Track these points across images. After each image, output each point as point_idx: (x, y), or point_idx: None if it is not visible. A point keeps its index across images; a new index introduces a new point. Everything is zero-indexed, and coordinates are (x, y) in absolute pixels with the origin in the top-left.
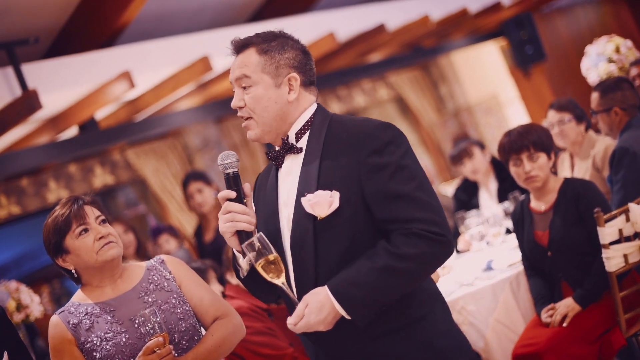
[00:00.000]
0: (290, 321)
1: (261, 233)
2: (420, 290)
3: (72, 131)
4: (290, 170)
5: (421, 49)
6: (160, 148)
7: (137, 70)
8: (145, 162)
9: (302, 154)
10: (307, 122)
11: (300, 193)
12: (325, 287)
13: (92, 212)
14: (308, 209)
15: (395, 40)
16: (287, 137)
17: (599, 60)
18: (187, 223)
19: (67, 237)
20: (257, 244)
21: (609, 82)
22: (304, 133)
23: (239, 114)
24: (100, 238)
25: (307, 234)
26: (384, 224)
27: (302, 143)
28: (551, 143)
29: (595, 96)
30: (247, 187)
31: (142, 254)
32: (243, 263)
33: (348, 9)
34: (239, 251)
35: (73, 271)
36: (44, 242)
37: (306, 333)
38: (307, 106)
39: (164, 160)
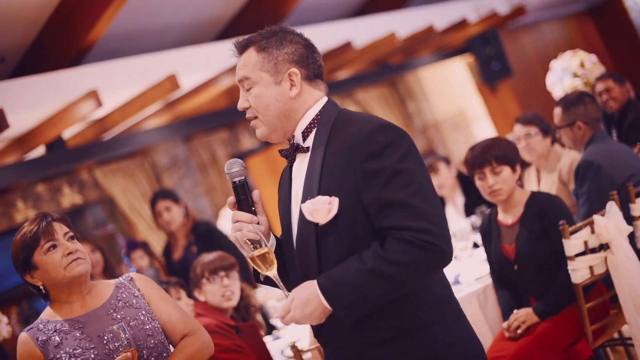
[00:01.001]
0: (277, 315)
1: (254, 225)
2: (428, 296)
3: (39, 150)
4: (300, 170)
5: (388, 65)
6: (128, 167)
7: (105, 89)
8: (114, 181)
9: (309, 154)
10: (314, 119)
11: (305, 196)
12: (314, 282)
13: (60, 229)
14: (308, 216)
15: (362, 58)
16: (293, 137)
17: (564, 75)
18: (155, 242)
19: (35, 253)
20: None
21: (571, 97)
22: (311, 130)
23: (247, 114)
24: (69, 254)
25: (310, 239)
26: (381, 231)
27: (309, 142)
28: (515, 156)
29: (557, 111)
30: (256, 194)
31: (109, 273)
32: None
33: (315, 26)
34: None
35: (41, 287)
36: (12, 258)
37: (316, 333)
38: (313, 102)
39: (132, 179)
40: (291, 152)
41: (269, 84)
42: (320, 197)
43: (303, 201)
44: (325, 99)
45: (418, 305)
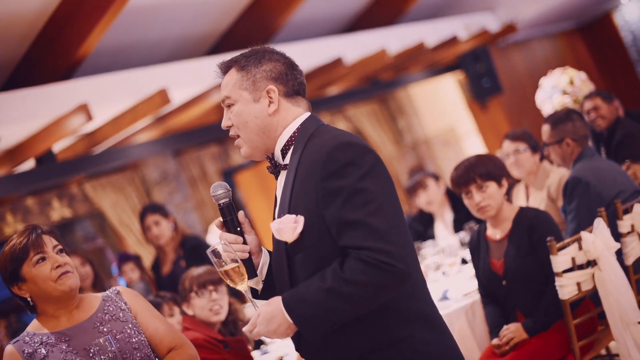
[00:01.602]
0: (245, 329)
1: (224, 240)
2: (405, 311)
3: (29, 164)
4: (281, 187)
5: (379, 82)
6: (119, 181)
7: (95, 103)
8: (103, 195)
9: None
10: (292, 136)
11: (279, 214)
12: (279, 298)
13: (50, 241)
14: (276, 235)
15: (352, 74)
16: (272, 154)
17: (554, 92)
18: (145, 256)
19: (24, 265)
20: (219, 252)
21: (559, 114)
22: (289, 148)
23: (230, 133)
24: (58, 267)
25: (282, 257)
26: (343, 249)
27: (288, 159)
28: (500, 171)
29: (546, 128)
30: (241, 215)
31: (99, 286)
32: (252, 284)
33: (306, 42)
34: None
35: (29, 299)
36: (0, 270)
37: (296, 347)
38: (291, 118)
39: (122, 193)
40: (273, 170)
41: (248, 101)
42: (287, 216)
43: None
44: (306, 115)
45: (393, 320)
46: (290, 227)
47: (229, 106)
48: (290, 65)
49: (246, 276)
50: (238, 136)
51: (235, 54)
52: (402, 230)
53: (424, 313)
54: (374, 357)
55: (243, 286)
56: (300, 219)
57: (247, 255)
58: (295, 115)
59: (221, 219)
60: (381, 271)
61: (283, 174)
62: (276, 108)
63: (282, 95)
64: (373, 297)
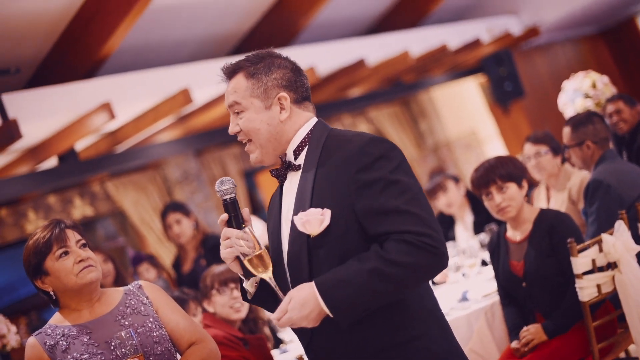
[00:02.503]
0: (273, 316)
1: (249, 227)
2: (418, 308)
3: (51, 162)
4: (291, 187)
5: (401, 84)
6: (140, 180)
7: (118, 101)
8: (125, 194)
9: (300, 171)
10: (305, 138)
11: (296, 210)
12: (312, 283)
13: (73, 236)
14: (300, 228)
15: (375, 76)
16: (285, 155)
17: (576, 95)
18: (165, 255)
19: (47, 259)
20: (247, 239)
21: (580, 116)
22: (302, 149)
23: (238, 138)
24: (80, 261)
25: (301, 251)
26: (377, 238)
27: (301, 160)
28: (520, 172)
29: (567, 131)
30: (246, 212)
31: (120, 284)
32: (247, 286)
33: (328, 43)
34: (242, 275)
35: (51, 293)
36: (23, 264)
37: (306, 347)
38: (302, 123)
39: (144, 192)
40: (282, 171)
41: (260, 109)
42: (312, 209)
43: (295, 214)
44: (315, 119)
45: (408, 318)
46: (317, 219)
47: (237, 112)
48: (297, 71)
49: (271, 265)
50: (249, 141)
51: None
52: (436, 219)
53: (433, 312)
54: (389, 355)
55: (268, 274)
56: (327, 212)
57: (251, 251)
58: (306, 119)
59: (225, 216)
60: (427, 252)
61: (292, 175)
62: (288, 115)
63: (293, 102)
64: (416, 279)
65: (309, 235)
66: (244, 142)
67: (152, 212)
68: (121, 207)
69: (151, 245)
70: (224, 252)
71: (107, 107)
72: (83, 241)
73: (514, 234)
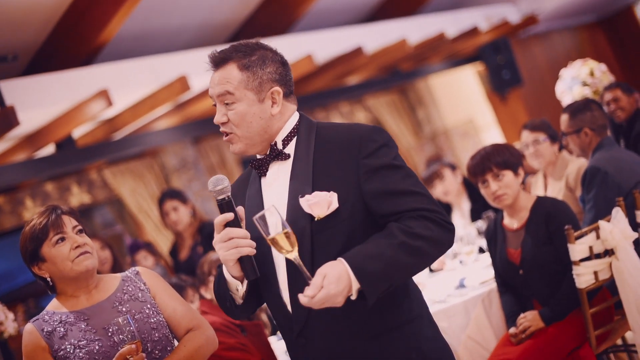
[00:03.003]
0: (307, 293)
1: (274, 205)
2: (412, 292)
3: (49, 149)
4: (277, 177)
5: (399, 72)
6: (137, 168)
7: (115, 89)
8: (122, 182)
9: (290, 160)
10: (293, 129)
11: (293, 196)
12: (341, 259)
13: (69, 222)
14: (307, 209)
15: (373, 63)
16: (275, 143)
17: (574, 83)
18: (163, 242)
19: (43, 245)
20: (273, 217)
21: (578, 103)
22: (290, 140)
23: (221, 129)
24: (77, 247)
25: (304, 234)
26: (389, 217)
27: (289, 149)
28: (516, 160)
29: (564, 118)
30: (241, 210)
31: (117, 271)
32: (241, 289)
33: (326, 31)
34: (236, 278)
35: (48, 279)
36: (20, 250)
37: (298, 334)
38: (289, 115)
39: (141, 180)
40: (267, 161)
41: (253, 102)
42: (318, 192)
43: (291, 201)
44: (298, 113)
45: (407, 300)
46: (326, 201)
47: (226, 102)
48: (286, 65)
49: (297, 244)
50: (230, 132)
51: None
52: None
53: (422, 298)
54: (385, 339)
55: (293, 254)
56: (334, 196)
57: (254, 251)
58: (292, 111)
59: (223, 217)
60: (444, 228)
61: (280, 164)
62: (279, 109)
63: (283, 96)
64: (437, 252)
65: (312, 219)
66: (225, 133)
67: (149, 199)
68: (119, 195)
69: (148, 233)
70: (227, 254)
71: (104, 95)
72: (80, 227)
73: (511, 222)
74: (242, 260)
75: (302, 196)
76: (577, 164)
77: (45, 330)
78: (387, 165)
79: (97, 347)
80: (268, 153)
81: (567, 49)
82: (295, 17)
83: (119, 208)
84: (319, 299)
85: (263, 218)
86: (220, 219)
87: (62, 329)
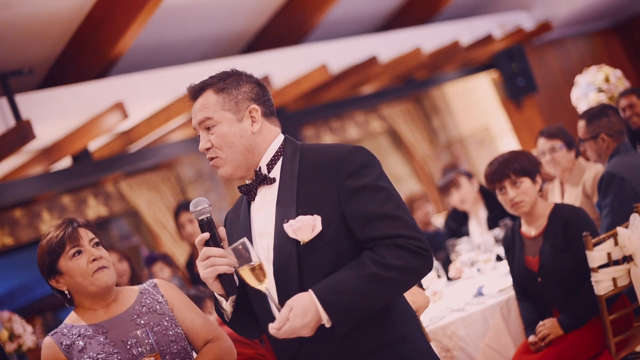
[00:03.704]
0: (274, 326)
1: (245, 239)
2: (402, 311)
3: (65, 162)
4: (265, 201)
5: (413, 81)
6: (154, 179)
7: (131, 101)
8: (139, 194)
9: (276, 184)
10: (277, 152)
11: (280, 220)
12: (310, 292)
13: (86, 235)
14: (291, 234)
15: (387, 72)
16: (260, 168)
17: (589, 89)
18: (180, 254)
19: (60, 258)
20: (242, 250)
21: (594, 109)
22: (275, 163)
23: (207, 155)
24: (94, 260)
25: (290, 259)
26: (367, 243)
27: (275, 173)
28: (534, 167)
29: (581, 124)
30: (222, 231)
31: (135, 283)
32: (227, 306)
33: (340, 41)
34: (221, 295)
35: (66, 292)
36: (38, 263)
37: (296, 357)
38: (273, 137)
39: (157, 191)
40: (254, 185)
41: (232, 121)
42: (302, 216)
43: (278, 226)
44: (283, 135)
45: (398, 318)
46: (309, 225)
47: (207, 128)
48: (263, 87)
49: (267, 275)
50: (216, 157)
51: (269, 54)
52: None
53: (412, 313)
54: (381, 355)
55: (265, 285)
56: (317, 219)
57: (232, 269)
58: (276, 134)
59: (205, 235)
60: (418, 255)
61: (265, 189)
62: (259, 127)
63: (263, 115)
64: (409, 281)
65: (298, 243)
66: (212, 159)
67: (165, 211)
68: (135, 207)
69: (165, 245)
70: (205, 272)
71: (120, 107)
72: (96, 240)
73: (529, 230)
74: (221, 278)
75: (287, 221)
76: (594, 171)
77: (64, 343)
78: (367, 186)
79: None
80: (254, 178)
81: (582, 55)
82: (309, 27)
83: (136, 220)
84: (284, 332)
85: (235, 250)
86: (198, 238)
87: (81, 342)
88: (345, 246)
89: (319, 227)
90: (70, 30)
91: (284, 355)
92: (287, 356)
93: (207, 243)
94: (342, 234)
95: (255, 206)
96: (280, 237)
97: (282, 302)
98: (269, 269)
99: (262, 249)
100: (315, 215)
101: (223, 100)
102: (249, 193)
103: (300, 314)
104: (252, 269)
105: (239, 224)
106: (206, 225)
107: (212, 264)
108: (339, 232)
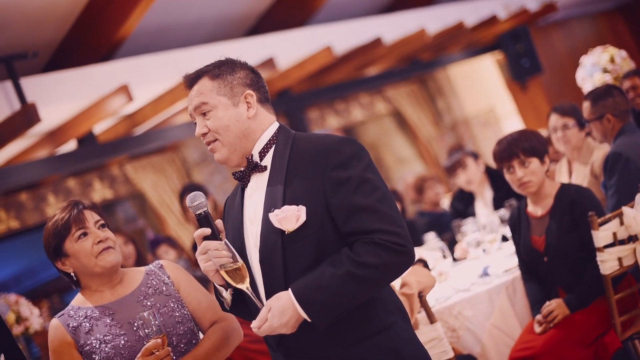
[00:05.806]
0: (254, 324)
1: (226, 240)
2: (387, 301)
3: (70, 145)
4: (256, 188)
5: (418, 62)
6: (159, 162)
7: (136, 84)
8: (144, 176)
9: (267, 172)
10: (270, 140)
11: (267, 209)
12: (289, 291)
13: (91, 217)
14: (276, 224)
15: (392, 54)
16: (252, 155)
17: (594, 70)
18: (185, 237)
19: (66, 240)
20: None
21: (599, 90)
22: (268, 151)
23: (204, 141)
24: (99, 242)
25: (275, 248)
26: (348, 236)
27: (267, 161)
28: (543, 147)
29: (586, 105)
30: (220, 223)
31: (141, 265)
32: (227, 295)
33: (345, 22)
34: (222, 285)
35: (72, 274)
36: (43, 246)
37: (277, 344)
38: (267, 124)
39: (163, 174)
40: (247, 173)
41: (228, 106)
42: (287, 206)
43: (266, 214)
44: (277, 123)
45: (382, 308)
46: (294, 215)
47: (204, 114)
48: (256, 73)
49: (248, 276)
50: (214, 140)
51: (273, 36)
52: (402, 218)
53: (398, 303)
54: (365, 345)
55: (246, 284)
56: (302, 209)
57: (231, 261)
58: (271, 121)
59: (203, 230)
60: (394, 252)
61: (257, 176)
62: (255, 112)
63: (258, 101)
64: (386, 278)
65: (283, 232)
66: (210, 142)
67: (171, 194)
68: (140, 190)
69: (171, 227)
70: (206, 265)
71: (125, 90)
72: (102, 222)
73: (535, 209)
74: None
75: (272, 211)
76: (602, 151)
77: (70, 325)
78: (353, 177)
79: (122, 342)
80: (246, 166)
81: (587, 36)
82: (313, 8)
83: (141, 203)
84: (264, 331)
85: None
86: (197, 233)
87: (87, 324)
88: (330, 237)
89: (303, 218)
90: (74, 12)
91: (272, 338)
92: (275, 340)
93: (206, 236)
94: (326, 226)
95: (247, 193)
96: (267, 225)
97: (267, 290)
98: (255, 257)
99: (252, 235)
100: (300, 206)
101: (218, 85)
102: (242, 179)
103: (278, 313)
104: (229, 272)
105: (234, 210)
106: (204, 219)
107: (213, 256)
108: (323, 224)
